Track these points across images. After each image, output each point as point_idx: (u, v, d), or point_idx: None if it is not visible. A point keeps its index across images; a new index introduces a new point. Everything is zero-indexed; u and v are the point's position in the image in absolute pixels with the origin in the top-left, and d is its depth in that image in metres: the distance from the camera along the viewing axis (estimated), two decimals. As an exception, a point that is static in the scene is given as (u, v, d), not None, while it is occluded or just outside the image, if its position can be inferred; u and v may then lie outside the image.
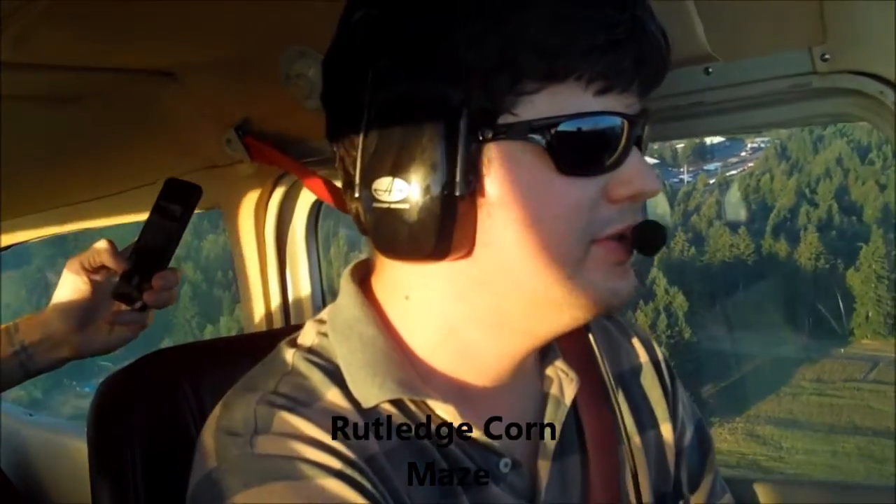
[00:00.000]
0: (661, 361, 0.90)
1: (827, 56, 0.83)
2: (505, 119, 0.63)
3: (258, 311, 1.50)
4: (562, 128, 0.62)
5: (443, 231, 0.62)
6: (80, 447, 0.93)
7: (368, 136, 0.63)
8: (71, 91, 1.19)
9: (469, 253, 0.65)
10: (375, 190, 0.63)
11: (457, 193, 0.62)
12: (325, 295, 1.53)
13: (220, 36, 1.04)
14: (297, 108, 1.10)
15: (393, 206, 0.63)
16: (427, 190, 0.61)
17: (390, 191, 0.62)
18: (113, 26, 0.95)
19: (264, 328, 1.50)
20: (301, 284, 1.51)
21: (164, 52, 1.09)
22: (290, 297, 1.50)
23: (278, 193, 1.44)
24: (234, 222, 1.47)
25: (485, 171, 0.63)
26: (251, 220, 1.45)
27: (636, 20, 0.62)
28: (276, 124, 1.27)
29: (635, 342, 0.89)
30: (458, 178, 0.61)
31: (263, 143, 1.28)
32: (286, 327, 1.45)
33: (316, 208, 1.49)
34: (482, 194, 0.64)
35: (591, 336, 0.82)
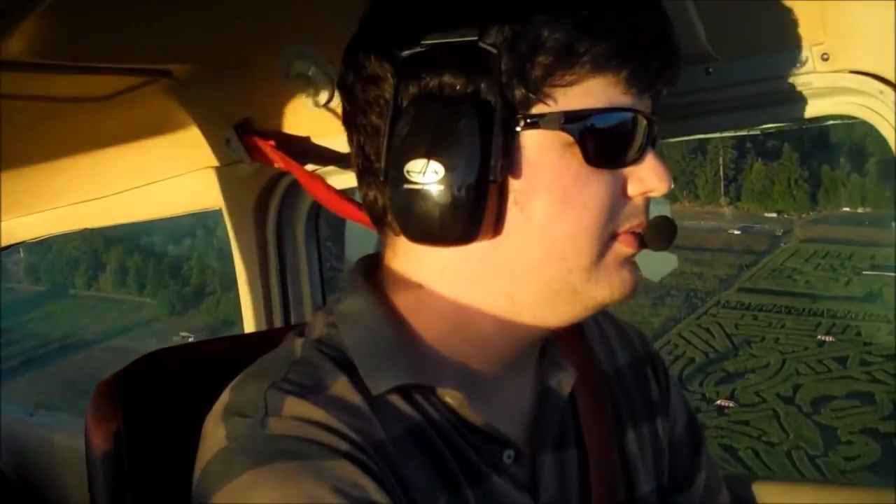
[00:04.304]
0: (654, 356, 0.91)
1: (827, 55, 0.83)
2: (539, 109, 0.65)
3: (258, 311, 1.50)
4: (594, 120, 0.65)
5: (473, 214, 0.64)
6: (79, 447, 0.93)
7: (399, 120, 0.65)
8: (71, 91, 1.19)
9: (493, 238, 0.67)
10: (408, 171, 0.64)
11: (490, 178, 0.63)
12: (325, 295, 1.53)
13: (220, 36, 1.04)
14: (297, 108, 1.10)
15: (426, 186, 0.64)
16: (461, 173, 0.63)
17: (424, 172, 0.64)
18: (113, 26, 0.95)
19: (264, 328, 1.49)
20: (301, 284, 1.51)
21: (164, 52, 1.09)
22: (291, 297, 1.50)
23: (278, 193, 1.44)
24: (235, 222, 1.47)
25: (516, 158, 0.65)
26: (251, 220, 1.45)
27: (664, 27, 0.66)
28: (276, 124, 1.27)
29: (629, 337, 0.90)
30: (491, 163, 0.63)
31: (263, 143, 1.28)
32: (286, 327, 1.45)
33: (316, 208, 1.49)
34: (513, 180, 0.66)
35: (585, 333, 0.83)
